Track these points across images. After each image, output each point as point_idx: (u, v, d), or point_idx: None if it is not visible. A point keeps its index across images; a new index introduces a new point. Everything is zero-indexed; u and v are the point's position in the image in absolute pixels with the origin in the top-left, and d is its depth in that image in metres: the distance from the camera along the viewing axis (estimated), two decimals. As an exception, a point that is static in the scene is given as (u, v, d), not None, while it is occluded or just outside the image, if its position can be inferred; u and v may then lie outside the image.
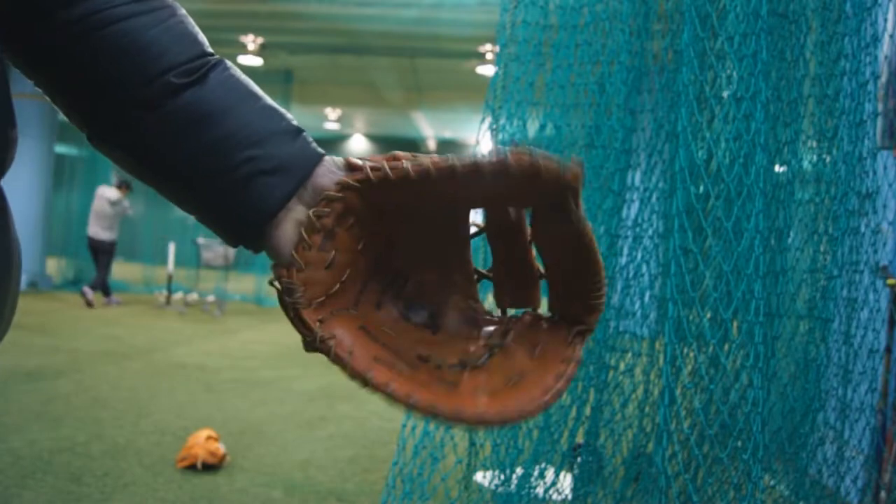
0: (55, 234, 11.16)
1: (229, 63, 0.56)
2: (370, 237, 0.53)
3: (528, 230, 0.52)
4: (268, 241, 0.54)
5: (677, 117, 2.14)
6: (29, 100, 9.49)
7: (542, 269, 0.54)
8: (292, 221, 0.53)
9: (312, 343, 0.50)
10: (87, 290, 8.34)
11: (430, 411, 0.46)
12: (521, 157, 0.44)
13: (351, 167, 0.52)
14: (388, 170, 0.49)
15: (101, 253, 8.50)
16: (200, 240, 9.46)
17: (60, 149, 11.24)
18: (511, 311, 0.56)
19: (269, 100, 0.56)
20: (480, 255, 1.85)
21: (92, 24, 0.51)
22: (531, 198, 0.48)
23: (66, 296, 9.45)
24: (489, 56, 9.36)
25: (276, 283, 0.52)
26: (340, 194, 0.51)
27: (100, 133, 0.55)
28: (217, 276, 9.63)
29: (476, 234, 0.56)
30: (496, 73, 2.49)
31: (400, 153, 0.50)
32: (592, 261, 0.49)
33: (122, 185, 8.69)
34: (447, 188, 0.48)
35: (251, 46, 9.87)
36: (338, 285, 0.52)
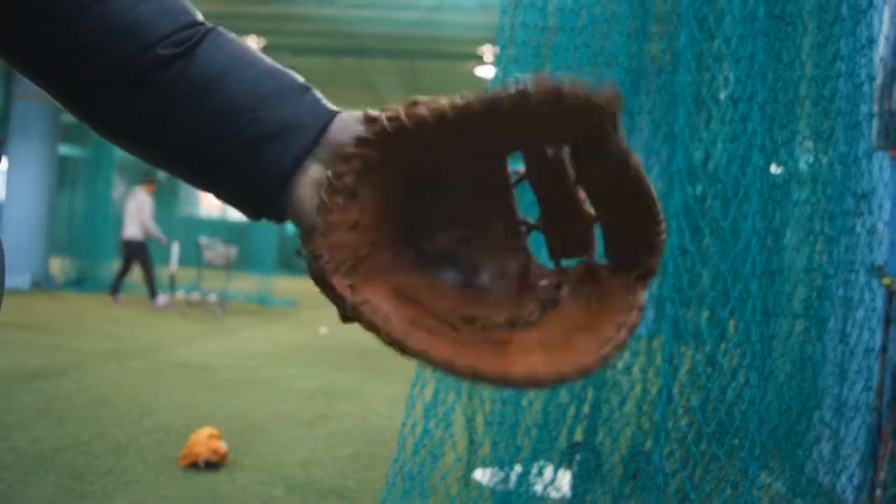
0: (58, 234, 11.19)
1: (223, 30, 0.53)
2: (397, 194, 0.49)
3: (572, 171, 0.47)
4: (288, 208, 0.51)
5: (675, 119, 2.15)
6: (33, 101, 9.51)
7: (593, 213, 0.49)
8: (311, 184, 0.50)
9: (345, 312, 0.46)
10: (159, 298, 8.57)
11: (473, 375, 0.42)
12: (544, 85, 0.40)
13: (368, 119, 0.47)
14: (403, 116, 0.45)
15: (136, 255, 8.54)
16: (202, 240, 9.49)
17: (64, 150, 11.27)
18: (566, 262, 0.52)
19: (270, 62, 0.53)
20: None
21: (73, 6, 0.49)
22: (563, 130, 0.44)
23: (69, 295, 9.47)
24: (488, 58, 9.37)
25: (303, 252, 0.48)
26: (358, 150, 0.47)
27: (99, 119, 0.53)
28: (219, 275, 9.66)
29: (517, 182, 0.51)
30: (495, 75, 2.51)
31: (420, 99, 0.46)
32: (644, 194, 0.44)
33: (147, 182, 8.79)
34: (469, 130, 0.44)
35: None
36: (367, 248, 0.48)
